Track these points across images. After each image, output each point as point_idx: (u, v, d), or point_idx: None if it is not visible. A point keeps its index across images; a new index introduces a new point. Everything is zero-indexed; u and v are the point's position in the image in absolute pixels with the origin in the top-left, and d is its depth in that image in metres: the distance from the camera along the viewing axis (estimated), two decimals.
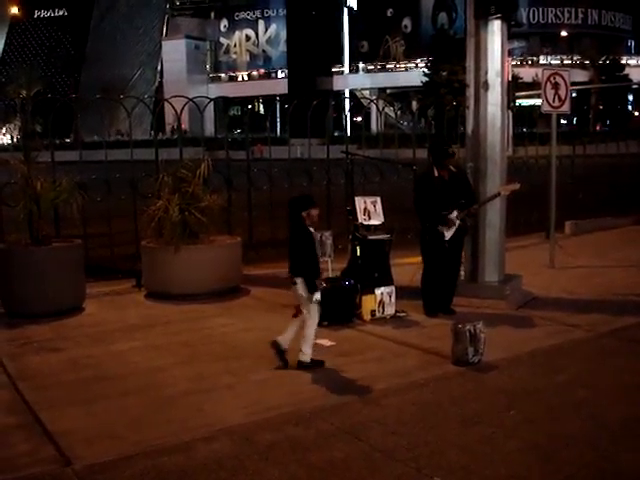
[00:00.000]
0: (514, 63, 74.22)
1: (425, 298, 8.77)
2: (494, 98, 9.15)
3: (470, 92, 9.29)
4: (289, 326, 6.78)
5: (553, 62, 79.15)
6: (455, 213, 8.51)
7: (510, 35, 9.60)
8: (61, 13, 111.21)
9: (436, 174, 8.62)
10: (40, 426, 5.44)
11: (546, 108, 11.46)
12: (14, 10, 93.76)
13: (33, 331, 8.20)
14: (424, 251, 8.75)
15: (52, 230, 9.93)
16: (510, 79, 11.09)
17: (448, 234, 8.52)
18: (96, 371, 6.74)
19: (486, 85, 9.10)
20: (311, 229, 6.77)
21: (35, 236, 9.14)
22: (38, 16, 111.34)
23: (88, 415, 5.65)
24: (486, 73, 9.09)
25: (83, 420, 5.54)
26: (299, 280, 6.60)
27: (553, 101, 11.42)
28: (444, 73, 70.19)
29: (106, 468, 4.71)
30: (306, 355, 6.66)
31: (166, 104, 13.38)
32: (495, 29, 9.05)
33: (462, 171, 9.04)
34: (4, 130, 78.45)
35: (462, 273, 9.43)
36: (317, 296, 6.56)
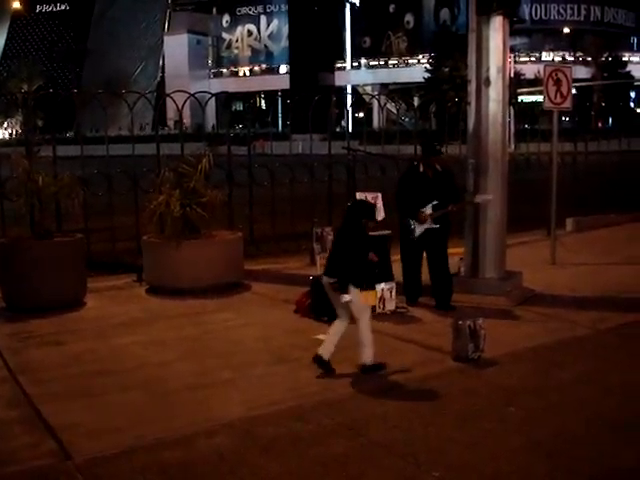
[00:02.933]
0: (516, 59, 74.13)
1: (404, 288, 8.90)
2: (495, 94, 9.14)
3: (471, 88, 9.28)
4: (327, 336, 6.48)
5: (556, 59, 79.03)
6: (429, 210, 8.56)
7: (512, 31, 9.59)
8: (63, 8, 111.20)
9: (421, 170, 8.69)
10: (41, 420, 5.46)
11: (548, 104, 11.44)
12: (16, 4, 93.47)
13: (34, 325, 8.21)
14: (400, 243, 8.92)
15: (53, 225, 9.94)
16: (512, 75, 11.07)
17: (419, 230, 8.60)
18: (97, 365, 6.76)
19: (488, 81, 9.09)
20: None
21: (36, 230, 9.15)
22: (40, 11, 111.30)
23: (89, 409, 5.67)
24: (488, 69, 9.08)
25: (84, 414, 5.56)
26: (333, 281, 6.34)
27: (555, 97, 11.38)
28: (446, 69, 70.00)
29: (107, 462, 4.73)
30: (368, 358, 6.38)
31: (168, 99, 13.36)
32: (497, 25, 9.03)
33: (448, 172, 8.96)
34: (5, 124, 78.45)
35: (462, 269, 9.45)
36: (345, 297, 6.22)
